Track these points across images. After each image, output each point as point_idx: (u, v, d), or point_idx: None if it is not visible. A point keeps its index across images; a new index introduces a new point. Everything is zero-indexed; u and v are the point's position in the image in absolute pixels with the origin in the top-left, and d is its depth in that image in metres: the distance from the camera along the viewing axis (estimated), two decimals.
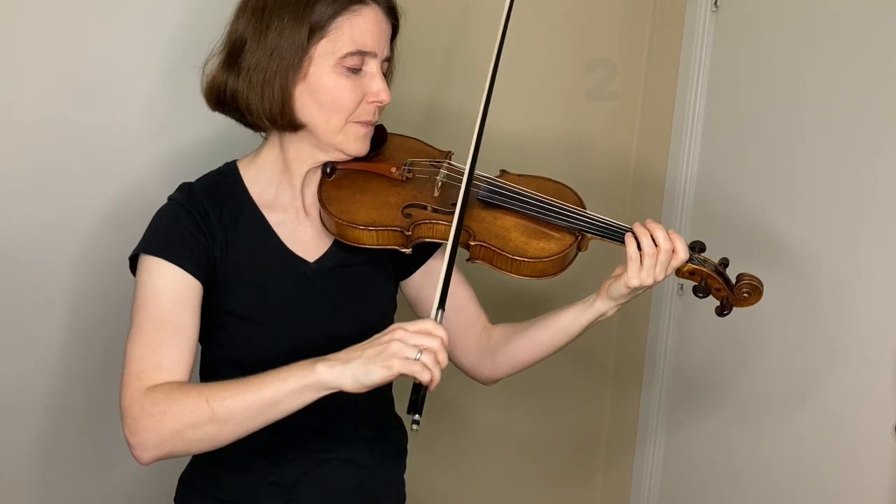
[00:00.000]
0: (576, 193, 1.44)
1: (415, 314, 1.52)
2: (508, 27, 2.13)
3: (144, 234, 1.31)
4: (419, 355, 1.11)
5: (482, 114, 1.35)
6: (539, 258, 1.33)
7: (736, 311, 1.40)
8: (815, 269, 1.88)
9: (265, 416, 1.17)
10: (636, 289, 1.33)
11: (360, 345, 1.15)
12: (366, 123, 1.34)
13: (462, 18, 2.11)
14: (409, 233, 1.32)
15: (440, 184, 1.39)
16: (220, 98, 1.34)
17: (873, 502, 1.75)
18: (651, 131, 2.37)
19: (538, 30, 2.21)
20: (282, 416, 1.17)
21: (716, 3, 2.18)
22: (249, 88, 1.29)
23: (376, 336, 1.15)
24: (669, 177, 2.29)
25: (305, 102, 1.30)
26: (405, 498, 1.54)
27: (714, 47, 2.19)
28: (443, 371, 1.14)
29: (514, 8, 2.16)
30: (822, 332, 1.88)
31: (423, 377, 1.11)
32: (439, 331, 1.13)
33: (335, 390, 1.15)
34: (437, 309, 1.17)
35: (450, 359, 1.52)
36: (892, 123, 1.72)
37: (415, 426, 1.11)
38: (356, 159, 1.39)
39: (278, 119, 1.30)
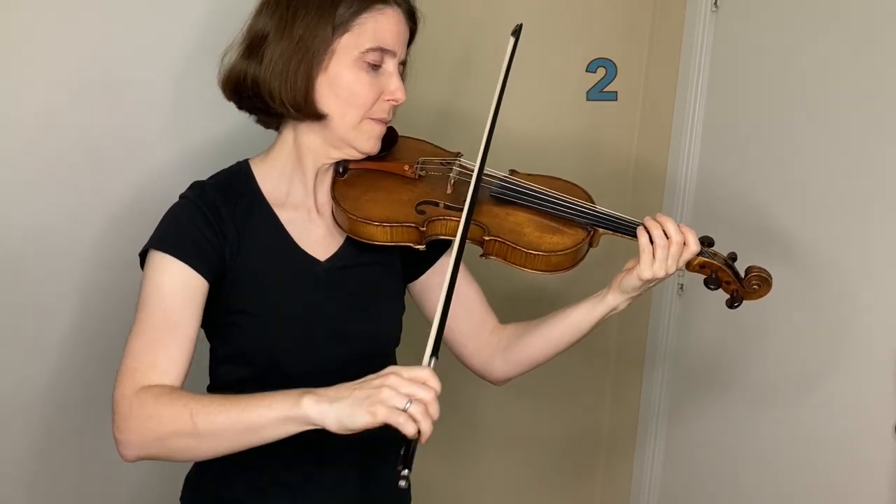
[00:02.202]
0: (585, 191, 1.45)
1: (424, 315, 1.52)
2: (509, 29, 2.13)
3: (155, 231, 1.31)
4: (408, 405, 1.05)
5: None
6: (553, 252, 1.34)
7: (741, 306, 1.41)
8: (816, 264, 1.89)
9: (245, 440, 1.14)
10: (649, 281, 1.34)
11: (350, 384, 1.10)
12: (380, 121, 1.35)
13: (476, 23, 2.12)
14: (424, 229, 1.33)
15: (453, 181, 1.40)
16: (239, 86, 1.34)
17: (873, 502, 1.77)
18: (651, 132, 2.38)
19: (539, 30, 2.21)
20: (262, 444, 1.14)
21: (716, 3, 2.18)
22: (272, 76, 1.30)
23: (369, 377, 1.09)
24: (669, 177, 2.30)
25: (325, 94, 1.31)
26: (410, 499, 1.54)
27: (714, 47, 2.20)
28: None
29: (514, 9, 2.18)
30: (822, 330, 1.88)
31: (408, 429, 1.05)
32: (434, 381, 1.07)
33: (318, 427, 1.11)
34: (431, 356, 1.11)
35: (461, 360, 1.53)
36: (892, 120, 1.73)
37: (402, 482, 1.04)
38: (368, 159, 1.40)
39: (302, 106, 1.30)
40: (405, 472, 1.04)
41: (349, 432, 1.09)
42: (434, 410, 1.06)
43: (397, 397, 1.05)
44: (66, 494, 1.80)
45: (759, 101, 2.05)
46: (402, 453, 1.06)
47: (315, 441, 1.36)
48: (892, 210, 1.72)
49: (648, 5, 2.36)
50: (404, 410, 1.05)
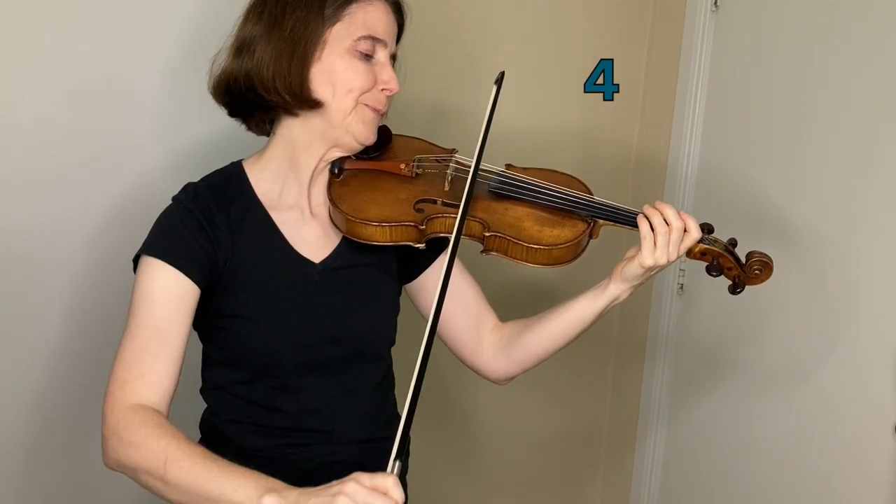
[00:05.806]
0: (583, 183, 1.45)
1: (420, 314, 1.52)
2: (511, 26, 2.14)
3: (148, 236, 1.31)
4: None
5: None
6: (554, 245, 1.33)
7: (738, 303, 1.40)
8: (818, 259, 1.89)
9: None
10: (650, 268, 1.34)
11: (314, 489, 1.05)
12: (375, 109, 1.35)
13: (470, 20, 2.12)
14: (423, 227, 1.33)
15: (450, 178, 1.40)
16: (231, 85, 1.34)
17: (873, 501, 1.76)
18: (652, 129, 2.38)
19: (541, 29, 2.23)
20: None
21: (716, 3, 2.18)
22: (265, 68, 1.30)
23: (331, 483, 1.04)
24: (670, 174, 2.30)
25: (320, 82, 1.31)
26: (407, 499, 1.53)
27: (714, 47, 2.20)
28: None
29: (517, 9, 2.19)
30: (823, 327, 1.89)
31: None
32: (396, 492, 1.00)
33: None
34: (395, 460, 1.05)
35: (461, 359, 1.52)
36: (889, 119, 1.73)
37: None
38: (364, 158, 1.39)
39: (299, 93, 1.30)
40: None
41: None
42: None
43: None
44: (58, 493, 1.80)
45: (758, 99, 2.06)
46: None
47: (310, 444, 1.37)
48: (893, 204, 1.72)
49: (648, 5, 2.36)
50: None
